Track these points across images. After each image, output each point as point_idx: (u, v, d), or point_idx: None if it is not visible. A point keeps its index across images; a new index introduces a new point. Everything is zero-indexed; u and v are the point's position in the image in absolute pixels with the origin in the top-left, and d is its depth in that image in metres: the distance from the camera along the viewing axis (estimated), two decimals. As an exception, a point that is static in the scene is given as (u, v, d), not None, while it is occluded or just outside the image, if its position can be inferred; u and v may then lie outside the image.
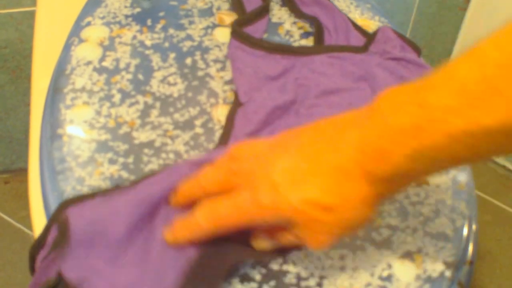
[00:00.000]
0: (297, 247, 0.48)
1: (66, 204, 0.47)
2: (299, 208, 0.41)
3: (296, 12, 0.67)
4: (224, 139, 0.55)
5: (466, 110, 0.34)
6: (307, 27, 0.67)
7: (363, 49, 0.59)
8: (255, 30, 0.64)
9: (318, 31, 0.63)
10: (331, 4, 0.64)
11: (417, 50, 0.57)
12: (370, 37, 0.61)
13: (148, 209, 0.46)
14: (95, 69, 0.60)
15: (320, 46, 0.60)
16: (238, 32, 0.62)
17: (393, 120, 0.37)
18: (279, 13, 0.69)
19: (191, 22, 0.66)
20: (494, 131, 0.33)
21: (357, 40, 0.62)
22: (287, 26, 0.67)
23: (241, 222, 0.43)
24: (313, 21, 0.64)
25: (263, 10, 0.67)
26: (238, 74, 0.59)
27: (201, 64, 0.62)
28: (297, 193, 0.41)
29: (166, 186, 0.47)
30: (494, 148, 0.35)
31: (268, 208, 0.41)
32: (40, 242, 0.46)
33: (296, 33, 0.66)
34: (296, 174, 0.41)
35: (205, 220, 0.44)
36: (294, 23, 0.68)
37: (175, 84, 0.60)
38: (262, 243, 0.46)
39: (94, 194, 0.48)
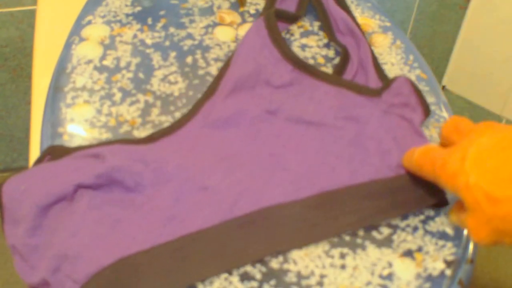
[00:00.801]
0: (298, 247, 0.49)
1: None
2: (470, 188, 0.43)
3: (330, 36, 0.65)
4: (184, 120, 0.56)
5: None
6: (307, 26, 0.67)
7: (375, 93, 0.57)
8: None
9: (343, 61, 0.61)
10: (363, 39, 0.62)
11: (427, 111, 0.56)
12: (386, 83, 0.58)
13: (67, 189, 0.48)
14: (95, 68, 0.60)
15: (334, 77, 0.58)
16: (272, 25, 0.61)
17: None
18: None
19: (191, 21, 0.66)
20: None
21: (373, 80, 0.60)
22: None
23: (433, 175, 0.47)
24: (342, 50, 0.62)
25: (294, 17, 0.66)
26: (240, 61, 0.59)
27: (201, 62, 0.62)
28: (476, 175, 0.43)
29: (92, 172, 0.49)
30: None
31: (448, 174, 0.44)
32: None
33: (297, 31, 0.66)
34: (488, 159, 0.43)
35: (418, 154, 0.49)
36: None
37: (175, 82, 0.60)
38: (451, 214, 0.49)
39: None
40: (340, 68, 0.61)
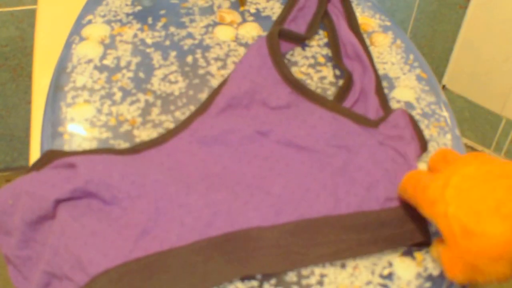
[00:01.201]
0: None
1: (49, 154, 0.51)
2: (448, 218, 0.42)
3: (337, 60, 0.63)
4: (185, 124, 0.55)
5: None
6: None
7: (372, 124, 0.56)
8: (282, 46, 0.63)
9: (346, 86, 0.60)
10: (370, 66, 0.61)
11: (424, 146, 0.55)
12: (387, 113, 0.57)
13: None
14: (96, 67, 0.60)
15: (332, 102, 0.57)
16: (274, 45, 0.60)
17: None
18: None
19: (192, 20, 0.66)
20: None
21: (373, 109, 0.59)
22: (288, 24, 0.67)
23: (414, 199, 0.47)
24: (347, 75, 0.61)
25: (300, 39, 0.64)
26: (237, 79, 0.58)
27: (202, 62, 0.62)
28: (455, 205, 0.42)
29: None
30: None
31: (428, 200, 0.44)
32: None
33: (297, 31, 0.66)
34: (469, 190, 0.42)
35: (404, 177, 0.49)
36: (295, 21, 0.68)
37: (176, 82, 0.60)
38: (432, 249, 0.48)
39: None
40: (342, 94, 0.59)
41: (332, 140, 0.53)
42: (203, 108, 0.56)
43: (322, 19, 0.67)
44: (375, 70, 0.61)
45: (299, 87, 0.58)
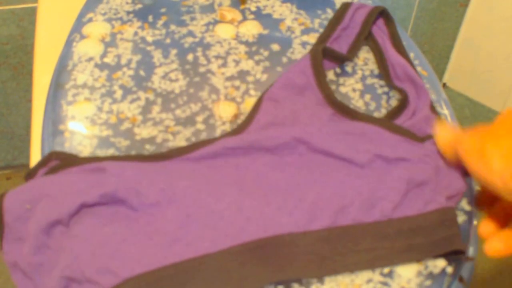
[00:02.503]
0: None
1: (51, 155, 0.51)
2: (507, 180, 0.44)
3: (388, 80, 0.62)
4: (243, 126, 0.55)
5: None
6: (308, 23, 0.67)
7: (418, 139, 0.54)
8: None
9: (401, 106, 0.58)
10: (424, 87, 0.59)
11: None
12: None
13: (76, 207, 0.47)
14: (96, 65, 0.60)
15: (375, 118, 0.56)
16: (318, 65, 0.59)
17: None
18: (280, 10, 0.69)
19: (192, 18, 0.66)
20: None
21: (428, 127, 0.57)
22: (288, 22, 0.67)
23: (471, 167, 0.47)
24: (403, 96, 0.59)
25: (343, 58, 0.63)
26: (278, 98, 0.57)
27: (202, 60, 0.62)
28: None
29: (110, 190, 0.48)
30: None
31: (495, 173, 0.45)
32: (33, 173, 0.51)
33: (297, 29, 0.66)
34: None
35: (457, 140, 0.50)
36: (295, 19, 0.68)
37: (176, 80, 0.60)
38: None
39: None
40: (394, 113, 0.58)
41: (372, 149, 0.52)
42: (241, 129, 0.55)
43: (366, 40, 0.66)
44: (428, 93, 0.60)
45: (343, 110, 0.57)
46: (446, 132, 0.52)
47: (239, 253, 0.46)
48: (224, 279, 0.45)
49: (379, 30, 0.65)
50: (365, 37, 0.65)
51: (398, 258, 0.48)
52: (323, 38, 0.64)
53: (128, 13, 0.66)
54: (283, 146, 0.53)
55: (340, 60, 0.63)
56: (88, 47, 0.62)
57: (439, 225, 0.49)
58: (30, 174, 0.50)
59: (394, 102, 0.60)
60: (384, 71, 0.62)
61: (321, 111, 0.57)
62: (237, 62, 0.62)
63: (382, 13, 0.66)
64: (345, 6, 0.66)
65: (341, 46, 0.64)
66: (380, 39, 0.65)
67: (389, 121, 0.56)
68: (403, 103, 0.58)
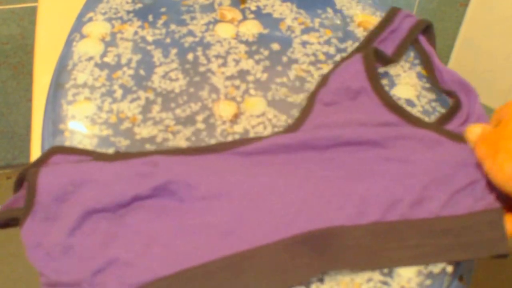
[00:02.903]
0: None
1: (54, 150, 0.52)
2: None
3: (436, 84, 0.61)
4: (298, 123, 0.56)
5: None
6: (308, 22, 0.67)
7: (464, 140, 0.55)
8: None
9: (452, 111, 0.58)
10: (475, 92, 0.59)
11: None
12: None
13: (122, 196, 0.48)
14: (96, 65, 0.60)
15: (433, 125, 0.56)
16: (371, 68, 0.59)
17: None
18: (280, 9, 0.69)
19: (192, 18, 0.66)
20: None
21: None
22: (288, 22, 0.67)
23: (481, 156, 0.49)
24: (455, 100, 0.58)
25: (389, 61, 0.63)
26: (331, 102, 0.57)
27: (202, 59, 0.62)
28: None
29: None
30: None
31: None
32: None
33: (297, 28, 0.66)
34: None
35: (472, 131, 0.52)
36: (295, 18, 0.68)
37: (176, 79, 0.60)
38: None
39: (81, 152, 0.52)
40: (447, 117, 0.57)
41: (427, 153, 0.53)
42: (291, 129, 0.56)
43: (412, 45, 0.65)
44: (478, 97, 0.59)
45: (402, 112, 0.57)
46: (472, 133, 0.53)
47: (291, 245, 0.47)
48: (277, 270, 0.46)
49: (424, 39, 0.65)
50: (412, 42, 0.65)
51: (444, 256, 0.48)
52: (370, 38, 0.64)
53: (128, 12, 0.66)
54: (335, 145, 0.53)
55: (387, 62, 0.63)
56: (88, 47, 0.62)
57: (486, 226, 0.49)
58: (29, 169, 0.50)
59: (438, 107, 0.60)
60: (432, 75, 0.62)
61: (377, 115, 0.57)
62: (237, 62, 0.62)
63: (427, 28, 0.65)
64: (395, 11, 0.66)
65: (386, 48, 0.64)
66: (425, 45, 0.64)
67: (442, 127, 0.56)
68: (455, 108, 0.58)
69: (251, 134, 0.56)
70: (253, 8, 0.69)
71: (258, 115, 0.58)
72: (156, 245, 0.47)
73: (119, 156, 0.52)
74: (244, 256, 0.47)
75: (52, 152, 0.52)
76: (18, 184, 0.50)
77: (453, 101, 0.58)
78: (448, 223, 0.49)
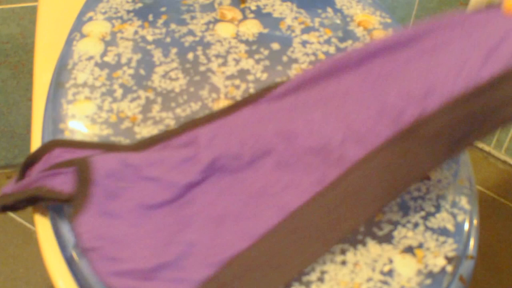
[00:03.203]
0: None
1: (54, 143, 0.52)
2: None
3: None
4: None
5: None
6: (308, 22, 0.67)
7: None
8: None
9: None
10: None
11: None
12: None
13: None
14: (97, 64, 0.60)
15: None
16: None
17: None
18: (280, 9, 0.69)
19: (192, 17, 0.66)
20: None
21: None
22: (288, 21, 0.67)
23: None
24: None
25: None
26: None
27: (202, 59, 0.62)
28: None
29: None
30: None
31: None
32: (34, 158, 0.52)
33: (297, 28, 0.66)
34: None
35: None
36: (295, 18, 0.68)
37: (176, 79, 0.60)
38: None
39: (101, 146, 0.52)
40: None
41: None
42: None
43: None
44: None
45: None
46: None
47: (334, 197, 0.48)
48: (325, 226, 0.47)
49: None
50: None
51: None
52: None
53: (128, 12, 0.66)
54: (367, 57, 0.52)
55: None
56: (89, 46, 0.62)
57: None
58: (28, 161, 0.51)
59: None
60: None
61: None
62: (237, 61, 0.62)
63: None
64: None
65: None
66: None
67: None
68: None
69: (251, 134, 0.56)
70: (253, 7, 0.69)
71: (258, 115, 0.58)
72: (227, 221, 0.46)
73: (147, 142, 0.51)
74: (293, 218, 0.46)
75: (52, 145, 0.52)
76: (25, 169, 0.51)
77: None
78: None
